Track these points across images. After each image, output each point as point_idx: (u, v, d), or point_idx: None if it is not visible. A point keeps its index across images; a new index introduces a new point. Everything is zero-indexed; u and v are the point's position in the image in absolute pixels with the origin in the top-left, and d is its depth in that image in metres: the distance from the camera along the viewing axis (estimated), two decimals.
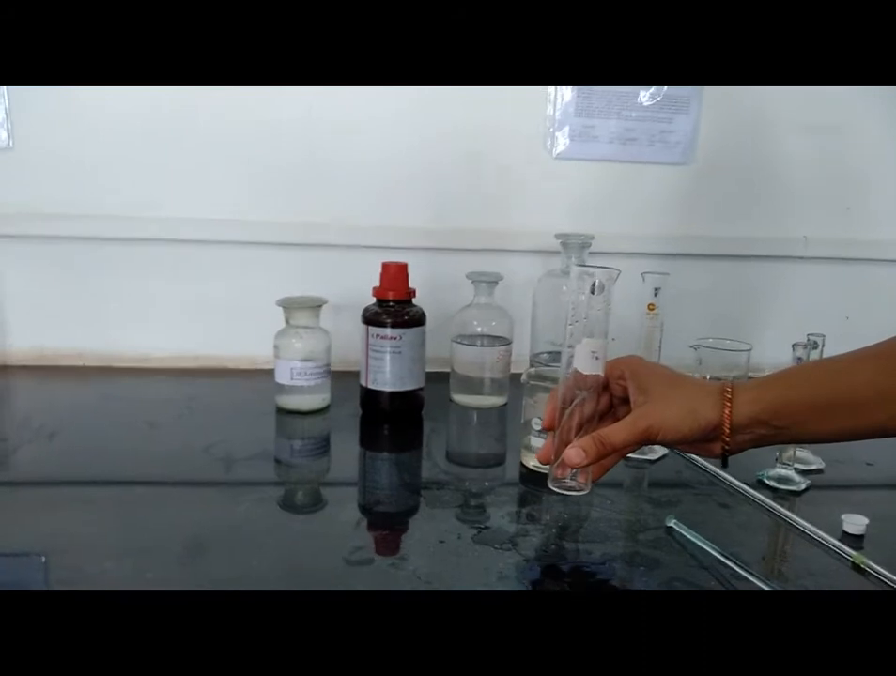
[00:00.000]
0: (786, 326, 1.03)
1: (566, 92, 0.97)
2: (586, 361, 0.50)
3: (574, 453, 0.49)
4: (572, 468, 0.52)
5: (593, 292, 0.50)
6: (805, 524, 0.59)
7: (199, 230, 0.95)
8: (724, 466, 0.52)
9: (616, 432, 0.50)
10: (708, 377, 0.86)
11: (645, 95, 0.98)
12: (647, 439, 0.50)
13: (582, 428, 0.52)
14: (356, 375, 0.83)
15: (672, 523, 0.58)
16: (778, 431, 0.49)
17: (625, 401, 0.53)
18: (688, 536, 0.56)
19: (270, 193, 0.97)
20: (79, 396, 0.88)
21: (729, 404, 0.48)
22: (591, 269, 0.50)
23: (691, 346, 0.87)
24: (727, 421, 0.48)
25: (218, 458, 0.69)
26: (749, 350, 0.86)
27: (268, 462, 0.72)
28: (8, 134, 0.92)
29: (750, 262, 1.05)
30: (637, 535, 0.58)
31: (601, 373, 0.51)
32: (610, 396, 0.54)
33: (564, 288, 0.86)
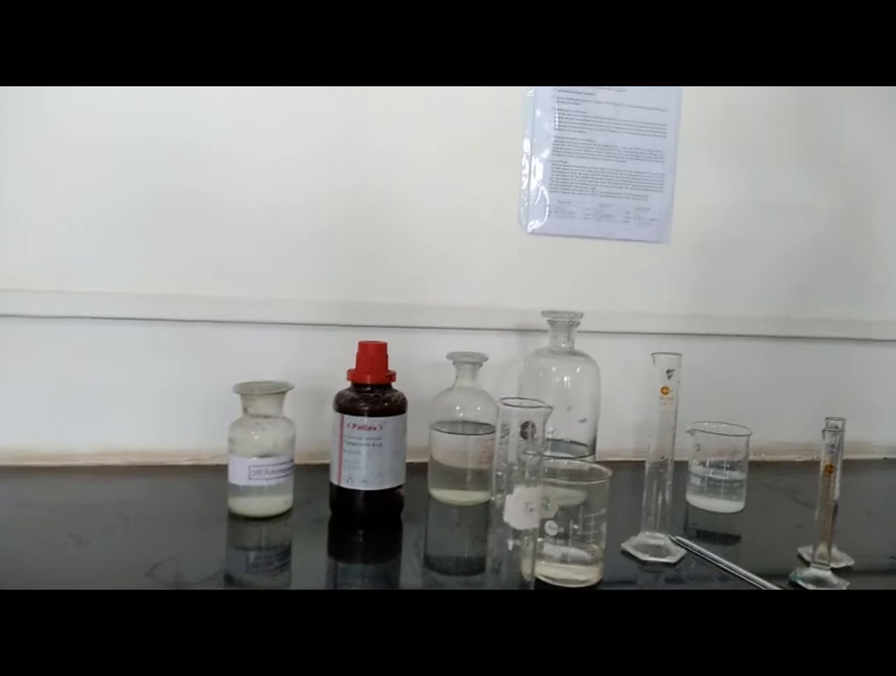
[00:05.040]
0: (775, 406, 1.01)
1: (540, 167, 0.93)
2: (519, 515, 0.45)
3: None
4: None
5: (524, 436, 0.44)
6: None
7: (131, 306, 0.84)
8: None
9: None
10: (707, 463, 0.80)
11: (619, 169, 0.95)
12: None
13: None
14: (321, 468, 0.72)
15: None
16: None
17: None
18: None
19: (218, 266, 0.87)
20: None
21: None
22: (520, 409, 0.45)
23: (688, 431, 0.81)
24: None
25: (167, 583, 0.56)
26: (749, 435, 0.81)
27: (222, 583, 0.59)
28: None
29: (725, 341, 1.02)
30: None
31: (536, 525, 0.47)
32: None
33: (554, 369, 0.80)
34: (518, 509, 0.44)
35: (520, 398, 0.45)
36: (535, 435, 0.44)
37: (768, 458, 1.01)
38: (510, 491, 0.44)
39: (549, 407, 0.45)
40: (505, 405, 0.45)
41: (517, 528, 0.45)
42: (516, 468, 0.44)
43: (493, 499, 0.46)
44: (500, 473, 0.45)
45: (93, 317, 0.83)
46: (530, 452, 0.44)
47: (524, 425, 0.44)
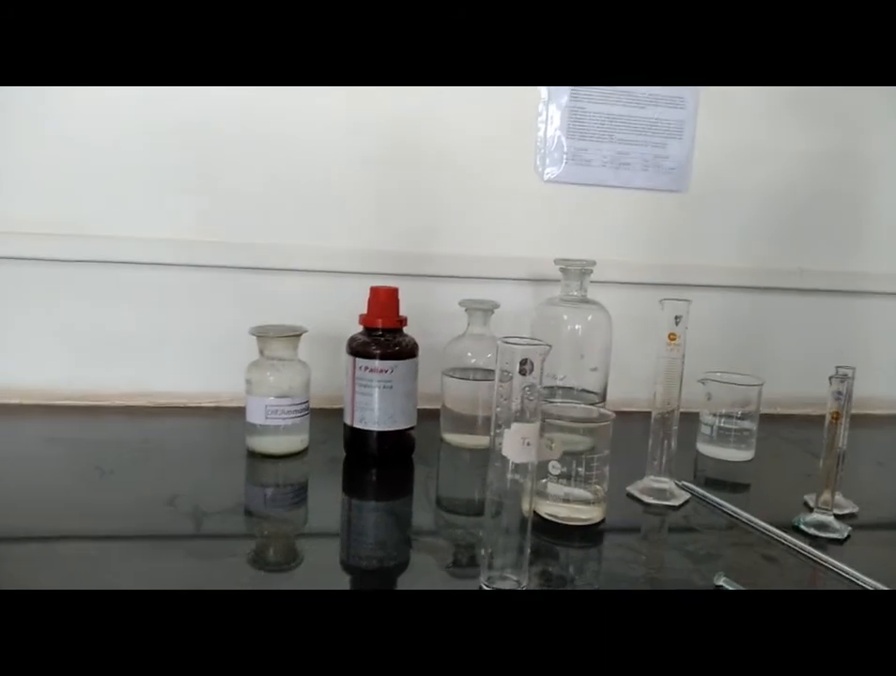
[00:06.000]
0: (793, 359, 1.00)
1: (557, 113, 0.92)
2: (516, 449, 0.46)
3: None
4: None
5: (523, 373, 0.45)
6: (876, 584, 0.52)
7: (153, 252, 0.86)
8: None
9: None
10: (720, 413, 0.81)
11: (638, 116, 0.94)
12: None
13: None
14: (337, 412, 0.74)
15: (721, 581, 0.51)
16: None
17: None
18: None
19: (239, 213, 0.88)
20: (16, 439, 0.76)
21: None
22: (519, 347, 0.45)
23: (699, 381, 0.81)
24: None
25: (185, 512, 0.59)
26: (761, 385, 0.81)
27: (241, 516, 0.62)
28: None
29: (745, 293, 1.01)
30: None
31: (534, 460, 0.47)
32: None
33: (565, 317, 0.80)
34: (515, 443, 0.45)
35: (519, 337, 0.46)
36: (533, 372, 0.45)
37: (784, 412, 1.01)
38: (508, 426, 0.46)
39: (548, 345, 0.45)
40: (504, 343, 0.45)
41: (515, 461, 0.46)
42: (514, 404, 0.45)
43: (492, 434, 0.47)
44: (499, 409, 0.46)
45: (120, 263, 0.86)
46: (529, 395, 0.45)
47: (522, 362, 0.45)
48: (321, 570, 0.53)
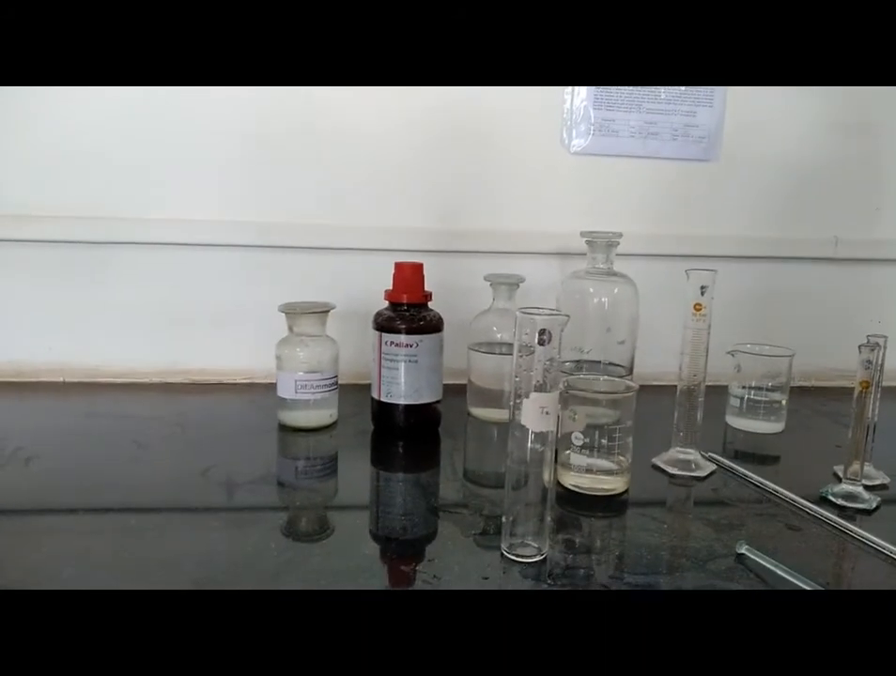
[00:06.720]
0: (826, 331, 0.98)
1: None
2: (535, 418, 0.47)
3: None
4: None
5: (541, 343, 0.46)
6: None
7: (189, 233, 0.88)
8: None
9: None
10: (749, 385, 0.80)
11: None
12: None
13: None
14: (366, 388, 0.76)
15: (743, 549, 0.51)
16: None
17: None
18: (766, 565, 0.49)
19: (267, 193, 0.89)
20: (59, 415, 0.80)
21: None
22: (538, 317, 0.46)
23: (728, 352, 0.81)
24: None
25: (218, 482, 0.61)
26: (791, 356, 0.80)
27: (272, 486, 0.64)
28: None
29: (778, 264, 0.99)
30: (706, 564, 0.50)
31: (553, 428, 0.48)
32: None
33: (591, 290, 0.80)
34: (534, 412, 0.46)
35: (538, 308, 0.46)
36: (552, 342, 0.45)
37: (819, 384, 0.99)
38: (527, 396, 0.46)
39: (566, 316, 0.46)
40: (523, 313, 0.46)
41: (534, 430, 0.47)
42: (534, 374, 0.46)
43: (511, 404, 0.47)
44: (518, 380, 0.47)
45: (156, 244, 0.88)
46: (549, 366, 0.46)
47: (541, 332, 0.45)
48: (351, 539, 0.55)
